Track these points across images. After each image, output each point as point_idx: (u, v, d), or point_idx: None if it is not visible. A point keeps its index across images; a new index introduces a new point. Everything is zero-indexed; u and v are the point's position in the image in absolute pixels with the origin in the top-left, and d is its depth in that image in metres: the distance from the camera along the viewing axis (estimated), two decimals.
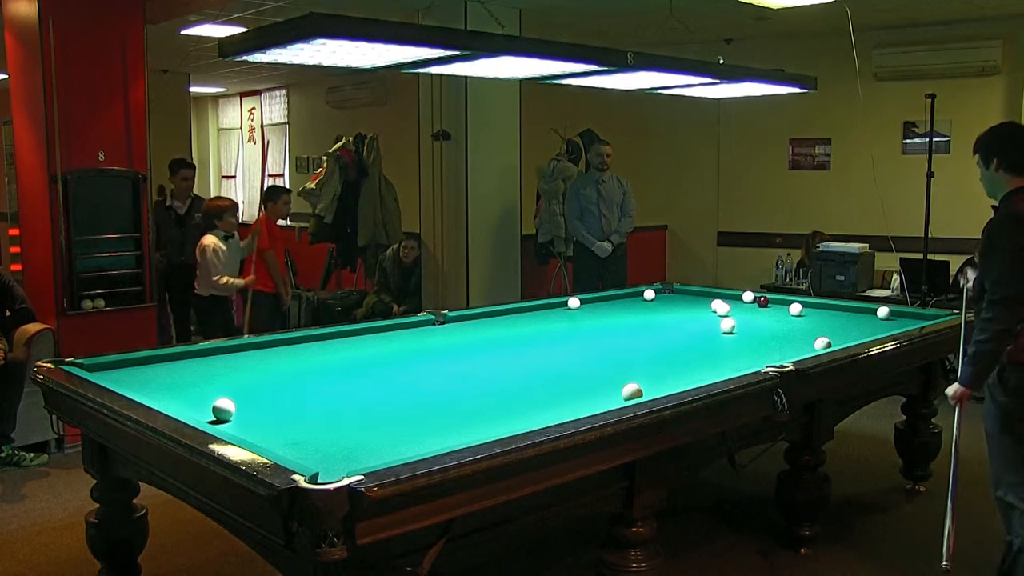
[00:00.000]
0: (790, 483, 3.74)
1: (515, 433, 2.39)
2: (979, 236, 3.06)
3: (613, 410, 2.66)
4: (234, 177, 13.68)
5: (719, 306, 4.77)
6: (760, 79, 4.90)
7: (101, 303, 5.39)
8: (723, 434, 3.16)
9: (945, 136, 7.70)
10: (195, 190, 7.31)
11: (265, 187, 10.69)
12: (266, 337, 4.09)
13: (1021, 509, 3.05)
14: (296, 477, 2.04)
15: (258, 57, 3.38)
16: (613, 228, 7.07)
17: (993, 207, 3.15)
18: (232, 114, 13.73)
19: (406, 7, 6.54)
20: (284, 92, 12.39)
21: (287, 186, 8.85)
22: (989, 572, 3.33)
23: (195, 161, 12.18)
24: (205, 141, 14.04)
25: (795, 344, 3.91)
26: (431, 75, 6.43)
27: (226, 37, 3.40)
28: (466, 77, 6.07)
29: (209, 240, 5.86)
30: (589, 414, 2.59)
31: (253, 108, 13.14)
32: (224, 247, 5.86)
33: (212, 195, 11.98)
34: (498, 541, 2.51)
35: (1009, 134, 3.19)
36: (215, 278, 5.82)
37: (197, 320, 6.40)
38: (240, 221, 6.77)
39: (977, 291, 3.13)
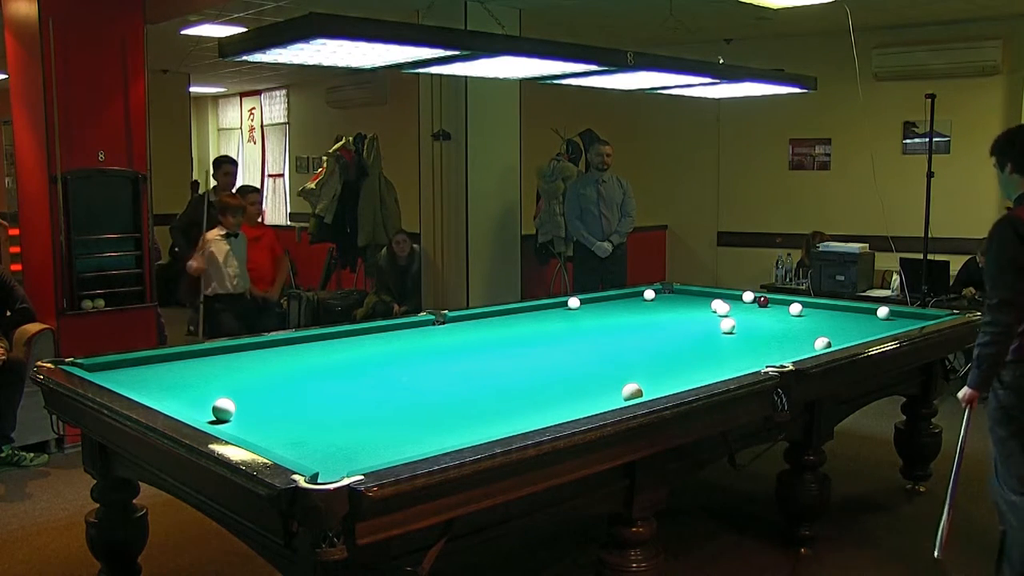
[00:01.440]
0: (790, 483, 3.74)
1: (515, 433, 2.39)
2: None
3: (613, 410, 2.66)
4: None
5: (719, 306, 4.77)
6: (760, 79, 4.90)
7: (101, 303, 5.39)
8: (723, 434, 3.17)
9: (945, 136, 7.70)
10: (200, 189, 7.32)
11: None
12: (266, 337, 4.09)
13: (1007, 500, 3.11)
14: (296, 477, 2.04)
15: (258, 57, 3.38)
16: (613, 228, 7.06)
17: (1008, 208, 3.25)
18: (232, 114, 13.74)
19: (406, 7, 6.54)
20: (284, 92, 12.40)
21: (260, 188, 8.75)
22: (982, 564, 3.34)
23: (195, 161, 12.24)
24: (205, 141, 14.05)
25: (795, 344, 3.91)
26: (431, 75, 6.43)
27: (226, 37, 3.40)
28: (466, 77, 6.07)
29: (211, 234, 5.88)
30: (589, 414, 2.59)
31: (253, 108, 13.15)
32: (225, 245, 5.86)
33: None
34: (498, 541, 2.51)
35: (1021, 137, 3.24)
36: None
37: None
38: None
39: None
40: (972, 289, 6.42)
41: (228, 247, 5.87)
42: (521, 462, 2.31)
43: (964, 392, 3.21)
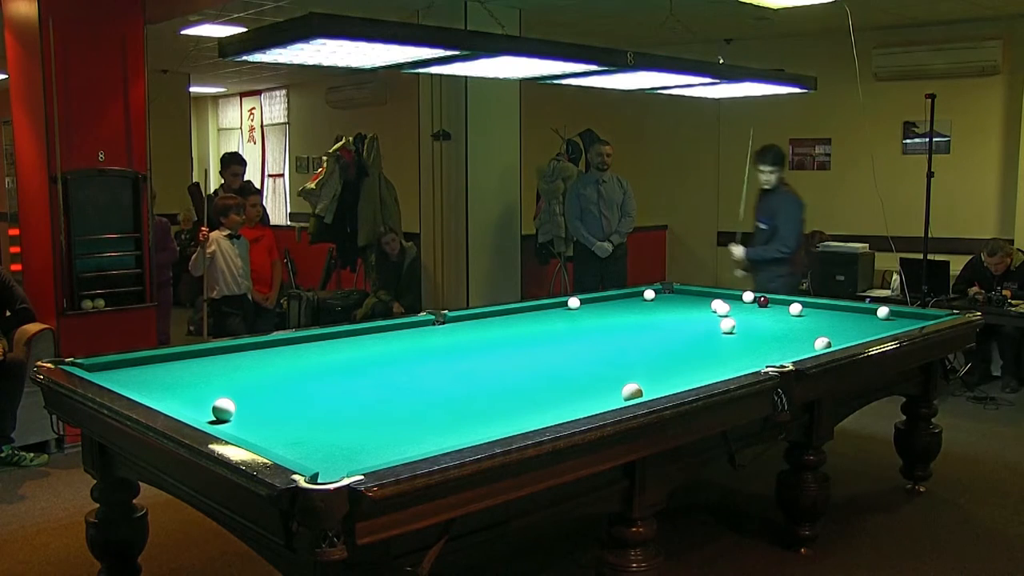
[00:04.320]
0: (790, 483, 3.74)
1: (515, 433, 2.39)
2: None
3: (613, 410, 2.66)
4: None
5: (719, 306, 4.77)
6: (760, 79, 4.90)
7: (101, 303, 5.39)
8: (723, 434, 3.17)
9: (945, 136, 7.70)
10: (202, 190, 7.31)
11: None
12: (266, 337, 4.09)
13: None
14: (296, 477, 2.04)
15: (258, 57, 3.38)
16: (613, 228, 7.06)
17: (764, 189, 5.81)
18: (232, 114, 13.74)
19: (406, 7, 6.54)
20: (284, 92, 12.40)
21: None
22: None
23: (194, 161, 12.22)
24: (205, 141, 14.05)
25: (795, 344, 3.91)
26: (431, 75, 6.43)
27: (226, 37, 3.40)
28: (466, 77, 6.07)
29: (215, 235, 5.87)
30: (589, 414, 2.59)
31: (253, 108, 13.15)
32: (231, 246, 5.85)
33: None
34: (498, 541, 2.51)
35: (783, 152, 5.92)
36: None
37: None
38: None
39: (770, 230, 5.67)
40: (979, 289, 6.41)
41: (234, 248, 5.87)
42: (521, 462, 2.31)
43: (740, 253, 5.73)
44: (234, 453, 2.25)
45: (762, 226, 5.75)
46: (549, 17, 7.29)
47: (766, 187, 5.82)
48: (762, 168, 5.80)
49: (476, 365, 3.71)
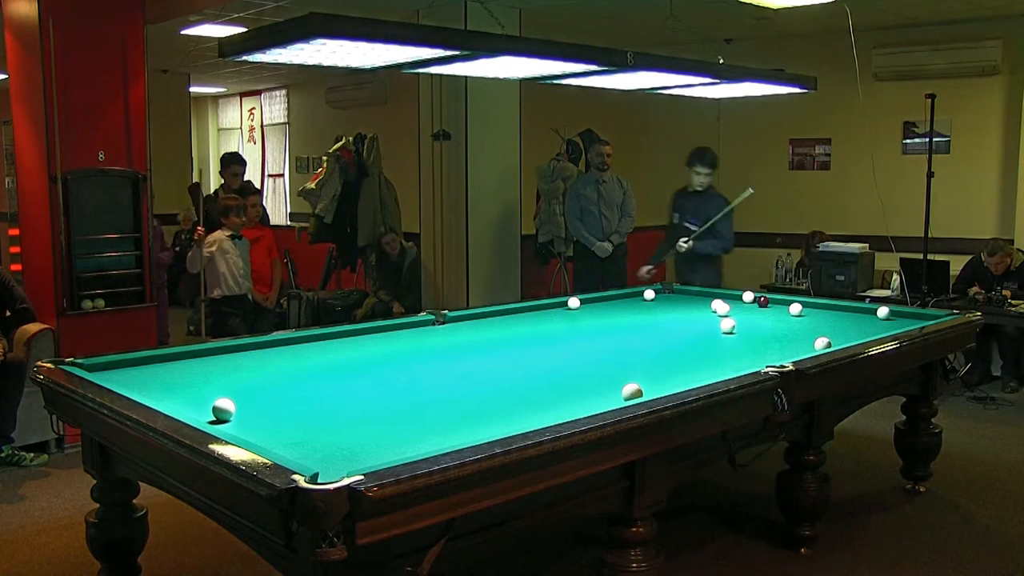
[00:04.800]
0: (790, 483, 3.74)
1: (515, 433, 2.39)
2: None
3: (613, 410, 2.66)
4: None
5: (719, 306, 4.77)
6: (760, 79, 4.90)
7: (101, 303, 5.39)
8: (723, 434, 3.17)
9: (945, 136, 7.71)
10: (202, 190, 7.32)
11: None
12: (266, 337, 4.09)
13: None
14: (296, 477, 2.04)
15: (258, 57, 3.38)
16: (613, 228, 7.06)
17: (696, 191, 6.10)
18: (232, 114, 13.73)
19: (406, 7, 6.54)
20: (284, 92, 12.39)
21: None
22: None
23: (194, 161, 12.21)
24: (205, 141, 14.04)
25: (795, 344, 3.91)
26: (431, 75, 6.43)
27: (226, 37, 3.40)
28: (466, 77, 6.08)
29: (217, 235, 5.86)
30: (589, 414, 2.59)
31: (253, 108, 13.14)
32: (231, 246, 5.85)
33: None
34: (498, 541, 2.51)
35: (718, 156, 6.25)
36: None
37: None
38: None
39: (700, 226, 5.94)
40: (979, 289, 6.42)
41: (236, 248, 5.86)
42: (521, 462, 2.31)
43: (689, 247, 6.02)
44: (234, 453, 2.25)
45: (691, 227, 6.03)
46: (549, 17, 7.29)
47: (699, 189, 6.16)
48: (699, 170, 6.08)
49: (476, 365, 3.70)
